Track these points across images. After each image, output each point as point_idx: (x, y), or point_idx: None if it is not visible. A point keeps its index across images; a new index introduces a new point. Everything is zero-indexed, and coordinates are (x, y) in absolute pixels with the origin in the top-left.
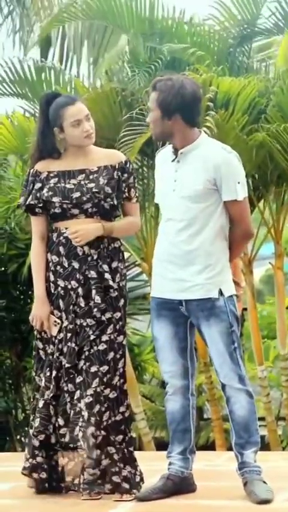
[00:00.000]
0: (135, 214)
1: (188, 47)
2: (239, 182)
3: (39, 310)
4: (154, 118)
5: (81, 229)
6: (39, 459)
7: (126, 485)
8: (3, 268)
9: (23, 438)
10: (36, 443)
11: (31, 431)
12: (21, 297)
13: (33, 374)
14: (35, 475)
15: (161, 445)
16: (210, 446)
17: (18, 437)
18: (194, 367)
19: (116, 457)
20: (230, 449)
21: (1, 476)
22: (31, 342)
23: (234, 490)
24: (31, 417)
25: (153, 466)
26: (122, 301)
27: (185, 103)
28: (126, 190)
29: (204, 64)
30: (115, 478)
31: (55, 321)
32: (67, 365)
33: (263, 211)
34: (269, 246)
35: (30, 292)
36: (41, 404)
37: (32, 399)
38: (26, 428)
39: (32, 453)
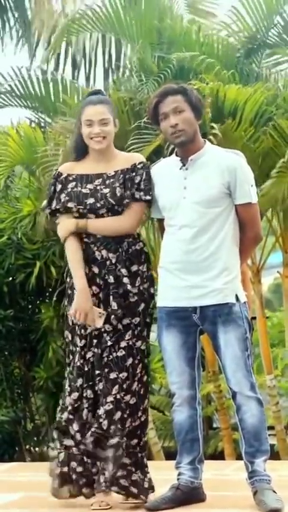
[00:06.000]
0: (127, 214)
1: (196, 55)
2: (252, 186)
3: (83, 303)
4: (187, 118)
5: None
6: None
7: (134, 490)
8: (11, 278)
9: (32, 448)
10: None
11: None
12: (29, 307)
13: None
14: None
15: (170, 455)
16: (218, 456)
17: (27, 447)
18: (200, 376)
19: (127, 460)
20: (238, 458)
21: (10, 486)
22: (39, 352)
23: (243, 499)
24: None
25: (162, 476)
26: (142, 306)
27: (203, 108)
28: (129, 187)
29: (213, 71)
30: (123, 482)
31: (100, 312)
32: (97, 372)
33: (271, 220)
34: (277, 255)
35: (38, 302)
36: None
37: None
38: (35, 438)
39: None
